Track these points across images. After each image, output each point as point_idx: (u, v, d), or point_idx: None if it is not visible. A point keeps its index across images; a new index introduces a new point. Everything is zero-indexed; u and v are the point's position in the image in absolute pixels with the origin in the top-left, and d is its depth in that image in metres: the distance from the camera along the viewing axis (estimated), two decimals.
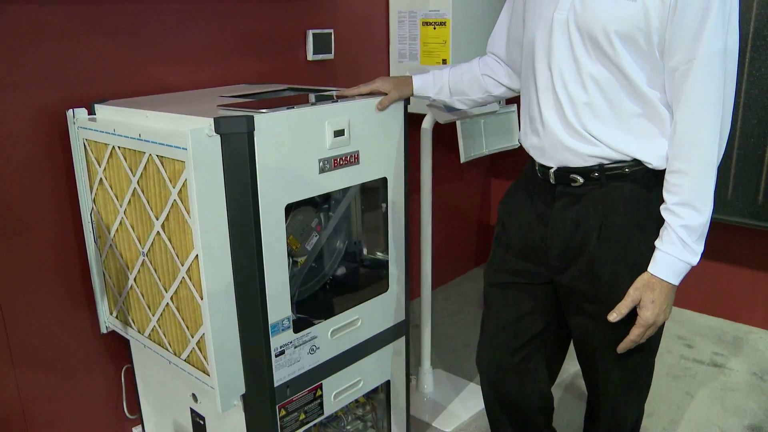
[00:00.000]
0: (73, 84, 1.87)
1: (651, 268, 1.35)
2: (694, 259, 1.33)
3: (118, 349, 2.12)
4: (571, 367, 2.51)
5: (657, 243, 1.35)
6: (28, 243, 1.87)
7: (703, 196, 1.31)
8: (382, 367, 1.96)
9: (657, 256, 1.35)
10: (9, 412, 1.94)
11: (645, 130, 1.36)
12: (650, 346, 1.55)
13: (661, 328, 1.56)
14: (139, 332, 1.82)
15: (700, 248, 1.34)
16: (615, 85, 1.34)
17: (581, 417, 1.81)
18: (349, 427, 2.01)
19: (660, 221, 1.36)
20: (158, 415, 2.07)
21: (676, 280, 1.35)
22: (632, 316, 1.41)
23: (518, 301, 1.61)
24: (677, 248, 1.32)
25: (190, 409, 1.87)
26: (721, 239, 2.89)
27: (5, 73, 1.74)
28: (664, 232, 1.34)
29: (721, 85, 1.27)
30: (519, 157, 1.89)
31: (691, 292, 3.07)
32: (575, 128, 1.38)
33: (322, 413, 1.81)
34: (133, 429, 2.25)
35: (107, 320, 1.97)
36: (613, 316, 1.39)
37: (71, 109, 1.78)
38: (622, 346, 1.43)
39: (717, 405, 2.43)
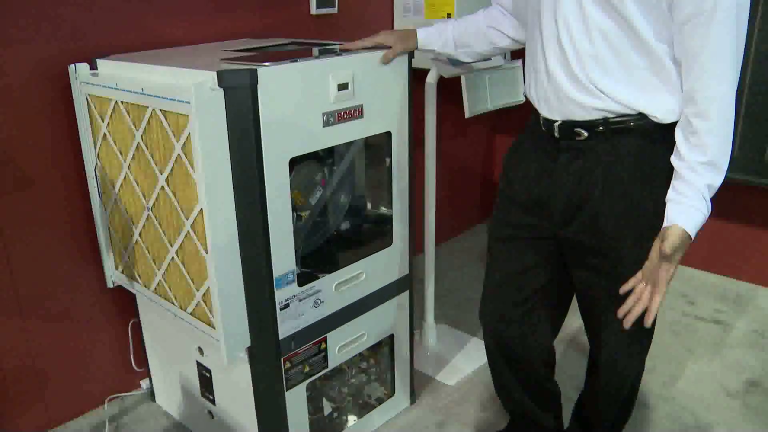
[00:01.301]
0: (74, 38, 1.86)
1: (686, 226, 1.29)
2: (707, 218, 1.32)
3: (125, 303, 2.14)
4: (574, 322, 2.53)
5: (684, 200, 1.30)
6: (32, 198, 1.88)
7: (725, 154, 1.29)
8: (385, 320, 1.98)
9: (692, 214, 1.29)
10: (21, 365, 1.97)
11: (651, 84, 1.34)
12: None
13: None
14: (145, 287, 1.84)
15: None
16: (622, 37, 1.31)
17: (583, 371, 1.83)
18: (353, 380, 2.04)
19: (664, 175, 1.35)
20: (165, 368, 2.10)
21: (691, 241, 1.32)
22: (631, 274, 1.41)
23: (522, 255, 1.61)
24: (705, 206, 1.30)
25: (196, 361, 1.90)
26: (726, 197, 2.85)
27: (5, 28, 1.73)
28: (689, 189, 1.30)
29: (734, 38, 1.24)
30: (524, 112, 1.88)
31: (695, 250, 3.04)
32: (580, 81, 1.36)
33: (327, 366, 1.83)
34: (141, 382, 2.28)
35: (113, 275, 1.99)
36: (668, 250, 1.28)
37: (73, 64, 1.77)
38: (651, 316, 1.33)
39: (717, 361, 2.46)
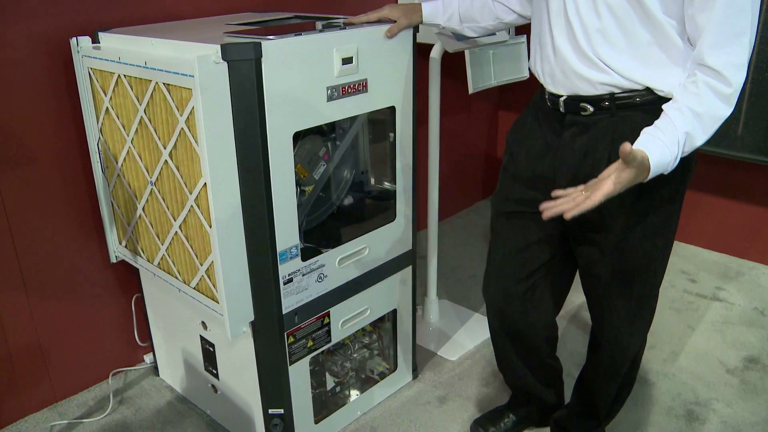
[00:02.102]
0: (75, 12, 1.84)
1: (652, 156, 1.20)
2: (671, 169, 1.26)
3: (128, 278, 2.15)
4: (576, 298, 2.54)
5: (660, 136, 1.23)
6: (35, 173, 1.88)
7: (718, 117, 1.25)
8: (388, 296, 1.99)
9: (662, 150, 1.22)
10: (25, 340, 1.98)
11: (658, 59, 1.33)
12: (655, 277, 1.56)
13: (665, 262, 1.56)
14: (149, 261, 1.84)
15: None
16: (629, 11, 1.30)
17: (584, 348, 1.84)
18: (355, 355, 2.05)
19: None
20: (169, 342, 2.11)
21: (647, 177, 1.23)
22: (641, 249, 1.39)
23: (525, 231, 1.61)
24: (676, 151, 1.23)
25: (200, 336, 1.91)
26: (729, 175, 2.87)
27: (6, 1, 1.71)
28: (669, 128, 1.24)
29: (747, 9, 1.23)
30: (528, 88, 1.87)
31: (697, 228, 3.07)
32: (587, 55, 1.35)
33: (330, 341, 1.84)
34: (145, 356, 2.30)
35: (116, 250, 1.99)
36: (627, 149, 1.15)
37: (74, 38, 1.76)
38: (574, 212, 1.20)
39: (717, 338, 2.47)
